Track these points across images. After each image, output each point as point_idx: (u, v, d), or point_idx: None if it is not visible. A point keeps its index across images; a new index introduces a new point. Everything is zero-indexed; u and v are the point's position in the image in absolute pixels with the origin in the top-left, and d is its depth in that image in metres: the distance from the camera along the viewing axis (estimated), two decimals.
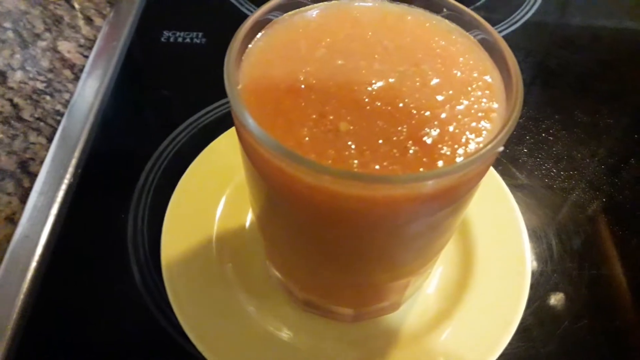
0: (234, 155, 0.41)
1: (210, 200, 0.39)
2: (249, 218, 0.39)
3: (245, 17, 0.55)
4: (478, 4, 0.58)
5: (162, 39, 0.52)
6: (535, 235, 0.41)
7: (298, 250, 0.30)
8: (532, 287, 0.37)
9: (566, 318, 0.37)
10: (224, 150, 0.41)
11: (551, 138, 0.48)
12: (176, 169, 0.42)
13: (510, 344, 0.34)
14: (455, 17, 0.29)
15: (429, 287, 0.36)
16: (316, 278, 0.31)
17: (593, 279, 0.40)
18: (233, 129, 0.42)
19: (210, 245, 0.37)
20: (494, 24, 0.56)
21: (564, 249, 0.41)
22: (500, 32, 0.55)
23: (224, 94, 0.49)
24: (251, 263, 0.36)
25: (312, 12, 0.29)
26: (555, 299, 0.38)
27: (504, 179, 0.41)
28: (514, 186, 0.43)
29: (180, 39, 0.52)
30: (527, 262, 0.37)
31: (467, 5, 0.29)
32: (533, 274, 0.38)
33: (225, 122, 0.46)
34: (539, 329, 0.37)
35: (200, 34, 0.53)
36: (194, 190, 0.39)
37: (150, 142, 0.44)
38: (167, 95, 0.48)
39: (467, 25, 0.29)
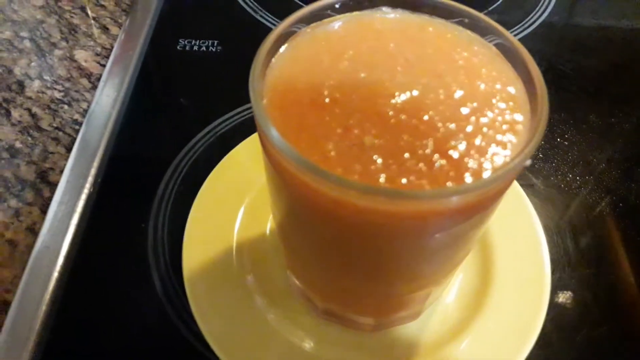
0: (253, 164, 0.42)
1: (230, 210, 0.39)
2: (268, 227, 0.39)
3: (260, 25, 0.56)
4: (491, 8, 0.58)
5: (178, 47, 0.53)
6: (552, 242, 0.41)
7: (320, 261, 0.30)
8: (551, 294, 0.37)
9: (585, 325, 0.37)
10: (243, 159, 0.41)
11: (566, 143, 0.48)
12: (195, 177, 0.42)
13: (530, 352, 0.34)
14: (474, 25, 0.29)
15: (448, 295, 0.36)
16: (337, 288, 0.32)
17: (611, 285, 0.39)
18: (251, 137, 0.43)
19: (230, 254, 0.37)
20: (507, 28, 0.56)
21: (582, 255, 0.40)
22: (513, 36, 0.55)
23: (240, 102, 0.49)
24: (271, 272, 0.37)
25: (334, 24, 0.29)
26: (575, 306, 0.38)
27: (520, 184, 0.41)
28: (530, 192, 0.43)
29: (195, 47, 0.53)
30: (546, 269, 0.37)
31: (480, 10, 0.29)
32: (551, 280, 0.38)
33: (242, 129, 0.46)
34: (559, 336, 0.37)
35: (215, 42, 0.53)
36: (214, 200, 0.39)
37: (168, 151, 0.45)
38: (184, 103, 0.49)
39: (484, 31, 0.29)
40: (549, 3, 0.60)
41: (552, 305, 0.37)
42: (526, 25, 0.57)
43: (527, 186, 0.44)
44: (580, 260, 0.40)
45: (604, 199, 0.44)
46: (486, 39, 0.29)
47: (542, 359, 0.35)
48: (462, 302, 0.36)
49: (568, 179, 0.45)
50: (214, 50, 0.53)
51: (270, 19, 0.55)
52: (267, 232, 0.39)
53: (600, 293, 0.39)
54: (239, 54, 0.53)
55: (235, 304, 0.35)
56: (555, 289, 0.38)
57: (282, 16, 0.55)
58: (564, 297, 0.38)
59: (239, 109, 0.47)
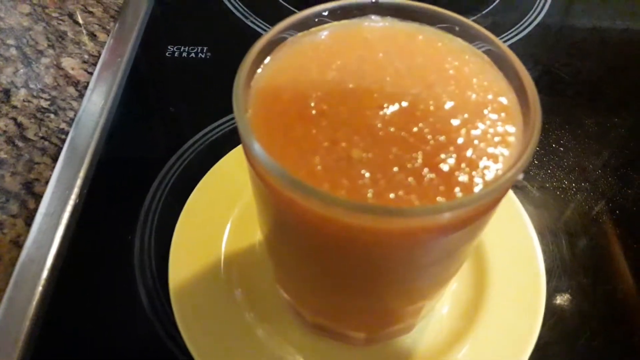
0: (242, 174, 0.40)
1: (217, 222, 0.38)
2: (257, 239, 0.38)
3: (250, 30, 0.55)
4: (485, 10, 0.57)
5: (167, 54, 0.52)
6: (547, 249, 0.40)
7: (308, 276, 0.29)
8: (547, 303, 0.36)
9: (583, 333, 0.37)
10: (232, 169, 0.40)
11: (562, 148, 0.47)
12: (183, 187, 0.41)
13: None
14: (464, 33, 0.29)
15: (442, 306, 0.36)
16: (327, 303, 0.31)
17: (609, 294, 0.39)
18: (239, 147, 0.42)
19: (218, 267, 0.36)
20: (501, 32, 0.56)
21: (578, 262, 0.40)
22: (508, 40, 0.54)
23: (230, 109, 0.48)
24: (261, 285, 0.36)
25: (322, 33, 0.28)
26: (571, 314, 0.38)
27: (514, 191, 0.40)
28: (525, 199, 0.42)
29: (185, 54, 0.52)
30: (541, 277, 0.36)
31: (475, 13, 0.28)
32: (547, 290, 0.37)
33: (232, 138, 0.45)
34: (556, 346, 0.36)
35: (205, 49, 0.52)
36: (201, 212, 0.38)
37: (156, 160, 0.44)
38: (173, 111, 0.48)
39: (474, 38, 0.28)
40: (544, 5, 0.60)
41: (549, 313, 0.36)
42: (521, 27, 0.57)
43: (521, 193, 0.43)
44: (576, 267, 0.39)
45: (600, 205, 0.43)
46: (476, 45, 0.28)
47: None
48: (456, 313, 0.35)
49: (564, 185, 0.44)
50: (203, 56, 0.52)
51: (260, 25, 0.55)
52: (257, 244, 0.38)
53: (598, 300, 0.38)
54: (228, 60, 0.51)
55: (223, 319, 0.34)
56: (551, 297, 0.38)
57: (272, 22, 0.55)
58: (560, 305, 0.38)
59: (229, 117, 0.46)
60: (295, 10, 0.55)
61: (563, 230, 0.41)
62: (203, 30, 0.55)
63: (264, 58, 0.27)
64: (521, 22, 0.58)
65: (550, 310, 0.37)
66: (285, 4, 0.56)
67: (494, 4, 0.59)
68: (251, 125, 0.24)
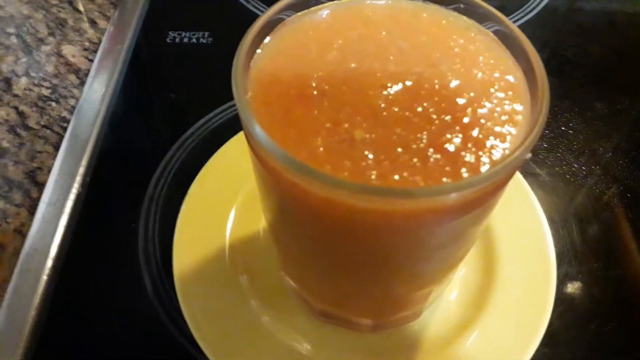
0: (244, 161, 0.40)
1: (221, 208, 0.38)
2: (262, 226, 0.37)
3: (252, 14, 0.55)
4: None
5: (168, 40, 0.51)
6: (557, 234, 0.39)
7: (313, 262, 0.28)
8: (557, 288, 0.36)
9: (594, 321, 0.36)
10: (234, 154, 0.40)
11: (571, 132, 0.46)
12: (186, 174, 0.41)
13: (537, 349, 0.33)
14: (471, 12, 0.28)
15: (450, 292, 0.35)
16: (333, 290, 0.30)
17: (619, 279, 0.38)
18: (242, 133, 0.41)
19: (223, 254, 0.36)
20: (508, 13, 0.54)
21: (589, 248, 0.39)
22: (515, 21, 0.53)
23: (232, 96, 0.48)
24: (265, 272, 0.35)
25: (322, 12, 0.28)
26: (582, 302, 0.37)
27: (523, 175, 0.40)
28: (534, 183, 0.41)
29: (186, 40, 0.51)
30: (551, 262, 0.36)
31: None
32: (557, 275, 0.37)
33: (235, 124, 0.44)
34: (566, 333, 0.35)
35: (206, 34, 0.52)
36: (205, 198, 0.38)
37: (159, 147, 0.43)
38: (175, 97, 0.47)
39: (482, 18, 0.27)
40: None
41: (559, 300, 0.36)
42: (528, 9, 0.55)
43: (530, 177, 0.42)
44: (587, 253, 0.39)
45: (611, 189, 0.43)
46: (484, 25, 0.28)
47: (549, 356, 0.34)
48: (465, 299, 0.35)
49: (573, 168, 0.43)
50: (204, 42, 0.51)
51: (262, 8, 0.54)
52: (261, 230, 0.37)
53: (609, 287, 0.38)
54: (231, 45, 0.51)
55: (228, 306, 0.34)
56: (561, 284, 0.37)
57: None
58: (570, 291, 0.37)
59: (231, 103, 0.46)
60: None
61: (573, 215, 0.40)
62: (204, 16, 0.54)
63: (263, 38, 0.26)
64: (528, 4, 0.56)
65: (560, 296, 0.36)
66: None
67: None
68: (251, 107, 0.23)
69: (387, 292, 0.29)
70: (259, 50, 0.26)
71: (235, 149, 0.40)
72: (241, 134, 0.40)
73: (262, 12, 0.54)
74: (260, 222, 0.38)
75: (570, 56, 0.52)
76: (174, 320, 0.35)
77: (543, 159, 0.44)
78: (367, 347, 0.33)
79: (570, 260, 0.38)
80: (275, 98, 0.24)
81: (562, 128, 0.46)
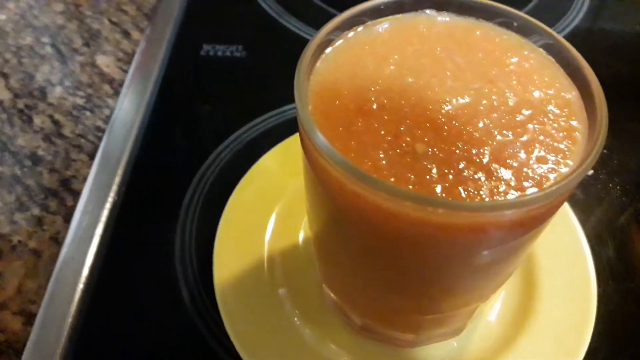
0: (283, 173, 0.40)
1: (259, 221, 0.38)
2: (301, 237, 0.37)
3: (284, 29, 0.55)
4: (522, 11, 0.56)
5: (202, 53, 0.52)
6: (594, 253, 0.39)
7: (362, 275, 0.28)
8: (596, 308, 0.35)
9: (634, 341, 0.36)
10: (272, 167, 0.40)
11: (605, 150, 0.46)
12: (222, 185, 0.41)
13: None
14: (523, 28, 0.28)
15: (491, 310, 0.35)
16: (379, 304, 0.30)
17: None
18: (280, 145, 0.41)
19: (262, 267, 0.36)
20: None
21: (626, 267, 0.39)
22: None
23: (267, 108, 0.48)
24: (305, 285, 0.35)
25: (377, 27, 0.28)
26: (621, 321, 0.36)
27: None
28: (571, 202, 0.41)
29: (220, 53, 0.52)
30: (592, 282, 0.35)
31: None
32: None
33: (269, 136, 0.44)
34: (606, 353, 0.35)
35: (240, 47, 0.52)
36: (244, 209, 0.38)
37: (194, 158, 0.43)
38: (210, 109, 0.47)
39: (531, 33, 0.28)
40: (580, 7, 0.59)
41: (597, 320, 0.35)
42: (557, 30, 0.56)
43: (569, 198, 0.42)
44: (625, 272, 0.38)
45: None
46: (533, 40, 0.28)
47: None
48: (505, 318, 0.35)
49: (608, 187, 0.43)
50: (238, 55, 0.51)
51: (294, 24, 0.54)
52: (300, 243, 0.37)
53: None
54: (264, 58, 0.52)
55: (268, 318, 0.34)
56: (599, 303, 0.37)
57: (306, 20, 0.55)
58: (609, 311, 0.37)
59: (266, 115, 0.46)
60: (330, 9, 0.55)
61: (610, 234, 0.40)
62: (237, 29, 0.55)
63: (322, 52, 0.27)
64: (558, 24, 0.57)
65: (599, 316, 0.36)
66: (320, 3, 0.56)
67: (528, 7, 0.59)
68: (314, 119, 0.24)
69: (435, 308, 0.29)
70: (317, 64, 0.26)
71: (274, 161, 0.40)
72: (280, 146, 0.41)
73: (294, 26, 0.55)
74: (298, 234, 0.38)
75: (602, 76, 0.52)
76: (211, 330, 0.35)
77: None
78: None
79: (607, 280, 0.38)
80: (335, 111, 0.24)
81: None
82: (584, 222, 0.39)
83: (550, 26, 0.55)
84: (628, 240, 0.40)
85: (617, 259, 0.39)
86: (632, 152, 0.46)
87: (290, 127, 0.45)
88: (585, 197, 0.42)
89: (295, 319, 0.34)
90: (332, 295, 0.33)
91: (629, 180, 0.44)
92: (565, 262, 0.36)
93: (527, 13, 0.28)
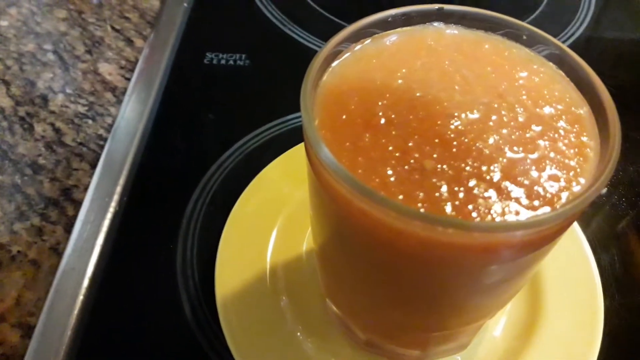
0: (286, 184, 0.40)
1: (262, 232, 0.37)
2: (304, 249, 0.37)
3: (288, 38, 0.55)
4: (525, 21, 0.56)
5: (205, 61, 0.51)
6: (599, 266, 0.39)
7: (367, 292, 0.28)
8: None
9: None
10: (275, 178, 0.40)
11: (613, 171, 0.46)
12: (224, 195, 0.41)
13: None
14: (533, 41, 0.28)
15: (496, 325, 0.34)
16: (383, 320, 0.30)
17: None
18: (284, 155, 0.41)
19: (264, 279, 0.35)
20: None
21: (632, 280, 0.38)
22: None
23: (271, 118, 0.48)
24: (308, 299, 0.35)
25: (384, 40, 0.28)
26: (627, 335, 0.36)
27: None
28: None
29: (223, 61, 0.51)
30: (599, 296, 0.35)
31: None
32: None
33: (272, 146, 0.44)
34: None
35: (243, 56, 0.52)
36: (247, 220, 0.38)
37: (197, 168, 0.43)
38: (213, 118, 0.47)
39: (542, 46, 0.27)
40: (585, 17, 0.58)
41: (604, 334, 0.35)
42: (561, 39, 0.55)
43: None
44: (629, 285, 0.38)
45: None
46: (540, 53, 0.27)
47: None
48: (510, 333, 0.34)
49: (613, 199, 0.43)
50: (242, 64, 0.51)
51: (298, 32, 0.54)
52: (303, 255, 0.37)
53: None
54: (267, 67, 0.51)
55: (270, 332, 0.33)
56: (605, 318, 0.36)
57: (309, 29, 0.54)
58: (615, 325, 0.36)
59: (269, 125, 0.46)
60: (334, 19, 0.54)
61: (615, 246, 0.40)
62: (241, 38, 0.54)
63: (329, 65, 0.26)
64: (562, 34, 0.56)
65: (605, 329, 0.36)
66: (324, 12, 0.56)
67: (532, 16, 0.58)
68: (320, 134, 0.23)
69: (441, 324, 0.28)
70: (324, 78, 0.26)
71: (277, 172, 0.40)
72: (283, 156, 0.40)
73: (298, 35, 0.55)
74: (301, 247, 0.37)
75: (608, 87, 0.52)
76: (211, 343, 0.35)
77: None
78: None
79: (613, 294, 0.38)
80: (341, 125, 0.24)
81: None
82: (588, 235, 0.39)
83: (555, 36, 0.55)
84: (633, 252, 0.40)
85: (623, 271, 0.39)
86: (636, 163, 0.45)
87: (294, 136, 0.44)
88: (589, 209, 0.42)
89: (298, 333, 0.33)
90: (335, 309, 0.33)
91: (632, 192, 0.43)
92: (571, 276, 0.36)
93: (531, 22, 0.28)
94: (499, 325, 0.34)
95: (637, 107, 0.51)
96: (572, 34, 0.57)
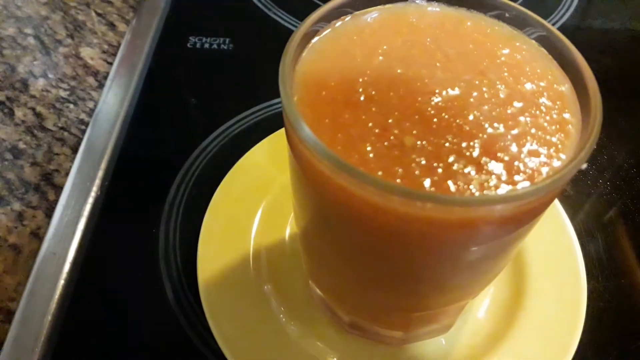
0: (270, 167, 0.40)
1: (245, 216, 0.37)
2: (287, 232, 0.37)
3: (273, 22, 0.54)
4: None
5: (189, 45, 0.51)
6: (583, 250, 0.39)
7: (349, 272, 0.28)
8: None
9: (624, 337, 0.35)
10: (259, 161, 0.39)
11: (595, 146, 0.46)
12: (207, 180, 0.40)
13: None
14: (516, 20, 0.27)
15: (479, 307, 0.34)
16: (366, 301, 0.29)
17: None
18: (267, 139, 0.41)
19: (247, 263, 0.35)
20: None
21: (615, 263, 0.38)
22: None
23: (254, 102, 0.47)
24: (292, 281, 0.35)
25: (366, 17, 0.27)
26: (611, 318, 0.36)
27: None
28: (561, 199, 0.41)
29: (207, 45, 0.51)
30: (582, 278, 0.35)
31: None
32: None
33: (257, 130, 0.44)
34: (596, 350, 0.35)
35: (227, 40, 0.51)
36: (230, 204, 0.37)
37: (179, 152, 0.42)
38: (196, 103, 0.46)
39: (525, 25, 0.27)
40: (570, 4, 0.58)
41: (587, 316, 0.35)
42: None
43: None
44: (613, 268, 0.38)
45: (637, 204, 0.42)
46: (527, 32, 0.27)
47: None
48: (494, 314, 0.34)
49: (598, 183, 0.43)
50: (225, 48, 0.51)
51: (282, 16, 0.53)
52: (286, 239, 0.37)
53: (637, 303, 0.37)
54: (252, 51, 0.51)
55: (253, 316, 0.33)
56: (589, 299, 0.36)
57: (294, 13, 0.54)
58: (598, 308, 0.36)
59: (253, 109, 0.45)
60: (319, 2, 0.54)
61: (600, 230, 0.40)
62: (225, 21, 0.54)
63: (308, 42, 0.26)
64: (547, 20, 0.56)
65: (589, 312, 0.36)
66: None
67: (516, 3, 0.58)
68: (299, 111, 0.23)
69: (424, 304, 0.28)
70: (303, 54, 0.25)
71: (261, 155, 0.39)
72: (267, 140, 0.40)
73: (282, 19, 0.54)
74: (284, 230, 0.37)
75: (594, 73, 0.52)
76: (195, 327, 0.34)
77: None
78: None
79: (597, 277, 0.38)
80: (321, 102, 0.24)
81: None
82: (573, 218, 0.39)
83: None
84: (617, 236, 0.40)
85: (607, 255, 0.39)
86: (622, 148, 0.45)
87: (278, 121, 0.44)
88: (574, 192, 0.42)
89: (281, 316, 0.33)
90: (318, 292, 0.32)
91: (619, 177, 0.43)
92: (554, 257, 0.36)
93: None
94: (482, 307, 0.34)
95: (622, 93, 0.51)
96: (557, 21, 0.57)
